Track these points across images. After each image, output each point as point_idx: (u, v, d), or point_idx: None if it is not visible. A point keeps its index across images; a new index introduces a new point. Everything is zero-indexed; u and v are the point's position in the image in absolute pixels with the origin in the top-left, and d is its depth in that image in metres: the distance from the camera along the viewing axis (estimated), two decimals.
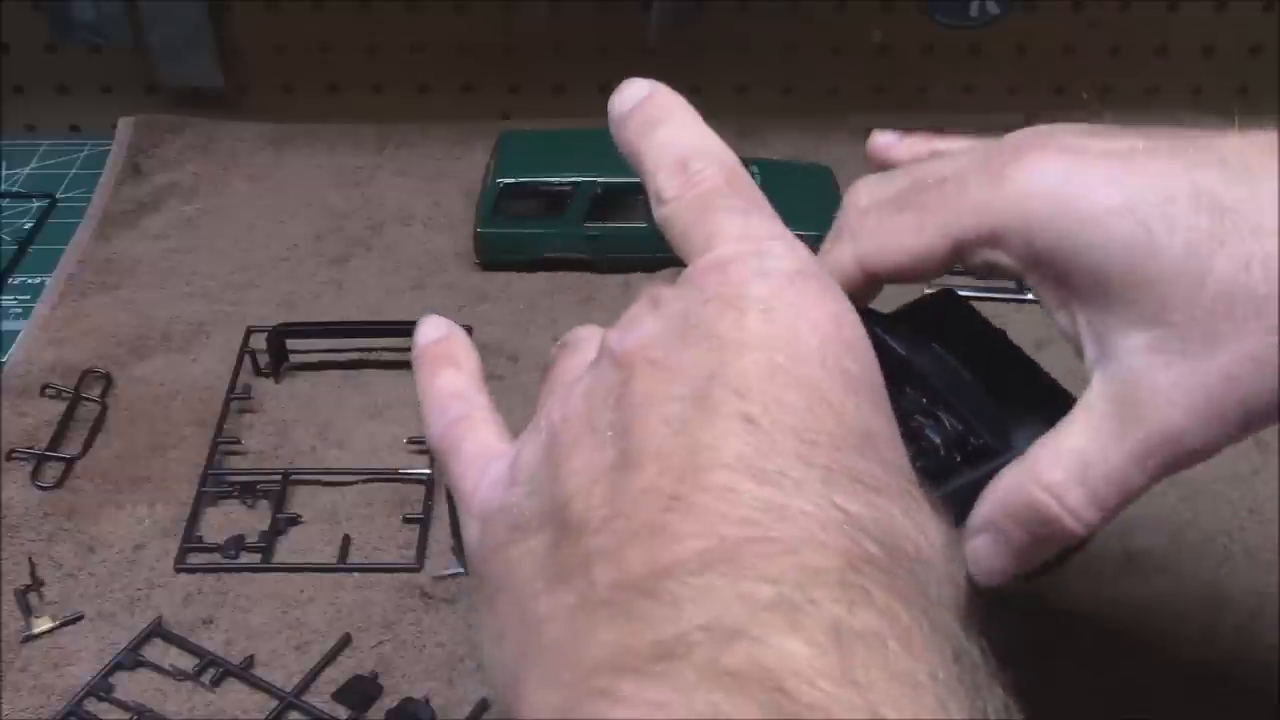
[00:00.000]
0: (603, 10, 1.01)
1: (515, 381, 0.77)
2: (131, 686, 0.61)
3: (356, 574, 0.67)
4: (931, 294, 0.49)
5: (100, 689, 0.60)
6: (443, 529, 0.68)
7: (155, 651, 0.63)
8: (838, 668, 0.28)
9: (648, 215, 0.86)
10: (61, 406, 0.76)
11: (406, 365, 0.74)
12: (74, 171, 1.00)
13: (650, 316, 0.37)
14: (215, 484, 0.71)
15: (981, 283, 0.75)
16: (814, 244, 0.90)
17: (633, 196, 0.86)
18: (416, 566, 0.67)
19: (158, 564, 0.67)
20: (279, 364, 0.79)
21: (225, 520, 0.70)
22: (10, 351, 0.81)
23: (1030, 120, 0.45)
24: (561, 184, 0.86)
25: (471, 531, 0.39)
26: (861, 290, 0.45)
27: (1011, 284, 0.76)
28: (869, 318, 0.42)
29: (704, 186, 0.41)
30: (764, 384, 0.34)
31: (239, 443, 0.74)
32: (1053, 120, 0.44)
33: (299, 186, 0.96)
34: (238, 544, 0.68)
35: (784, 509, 0.31)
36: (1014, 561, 0.42)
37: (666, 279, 0.40)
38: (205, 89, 1.05)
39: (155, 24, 1.01)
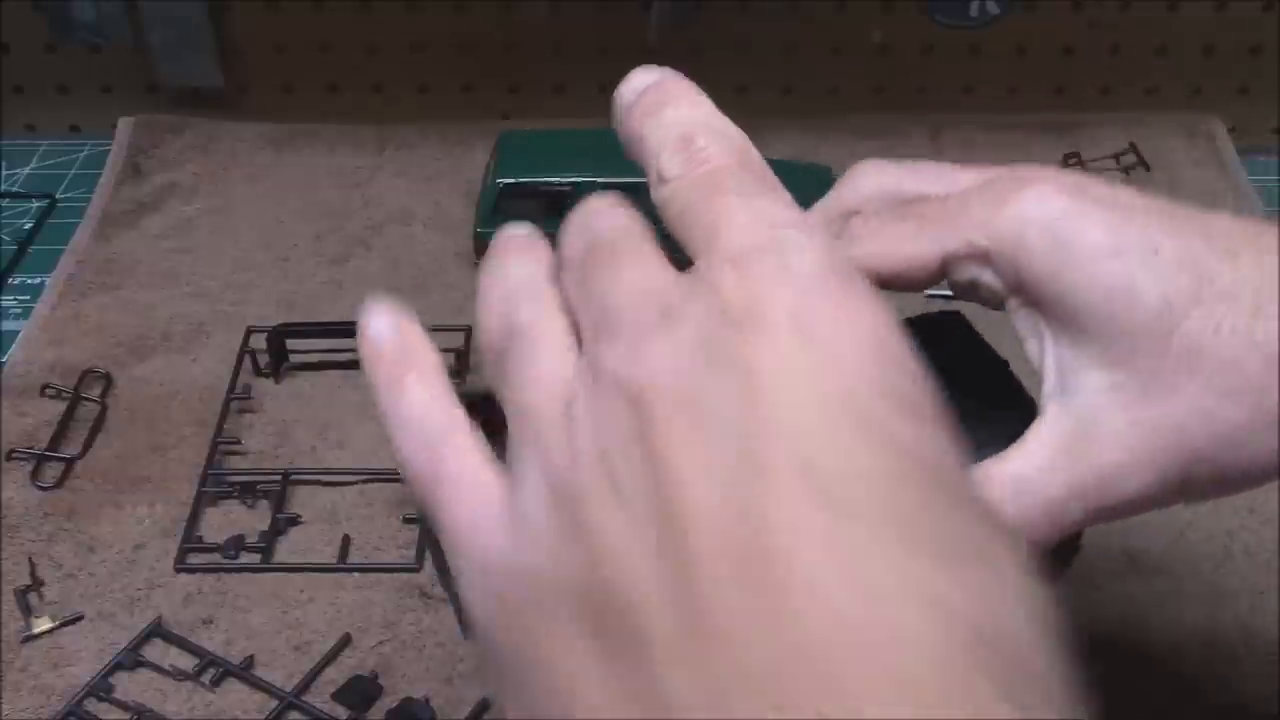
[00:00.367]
0: (603, 10, 1.01)
1: None
2: (131, 686, 0.61)
3: (356, 574, 0.67)
4: (940, 312, 0.49)
5: (100, 689, 0.60)
6: None
7: (155, 651, 0.63)
8: None
9: (648, 215, 0.87)
10: (61, 406, 0.76)
11: None
12: (74, 171, 1.00)
13: (661, 335, 0.31)
14: (215, 484, 0.71)
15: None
16: None
17: (633, 196, 0.86)
18: (416, 566, 0.67)
19: (158, 564, 0.67)
20: (279, 364, 0.79)
21: (225, 520, 0.70)
22: (10, 351, 0.81)
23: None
24: (561, 184, 0.86)
25: (474, 585, 0.33)
26: None
27: None
28: None
29: (711, 165, 0.37)
30: (816, 429, 0.28)
31: (239, 443, 0.74)
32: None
33: (299, 186, 0.96)
34: (238, 544, 0.68)
35: (881, 615, 0.26)
36: None
37: (655, 266, 0.36)
38: (205, 89, 1.05)
39: (155, 24, 1.01)
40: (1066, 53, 1.04)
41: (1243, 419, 0.39)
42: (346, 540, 0.68)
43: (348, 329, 0.79)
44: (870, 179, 0.50)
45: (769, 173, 0.38)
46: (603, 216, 0.40)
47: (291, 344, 0.79)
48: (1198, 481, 0.40)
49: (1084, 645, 0.62)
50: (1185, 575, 0.66)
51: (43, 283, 0.87)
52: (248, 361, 0.79)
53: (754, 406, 0.28)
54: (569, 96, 1.06)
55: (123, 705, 0.60)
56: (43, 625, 0.64)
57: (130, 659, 0.62)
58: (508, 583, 0.31)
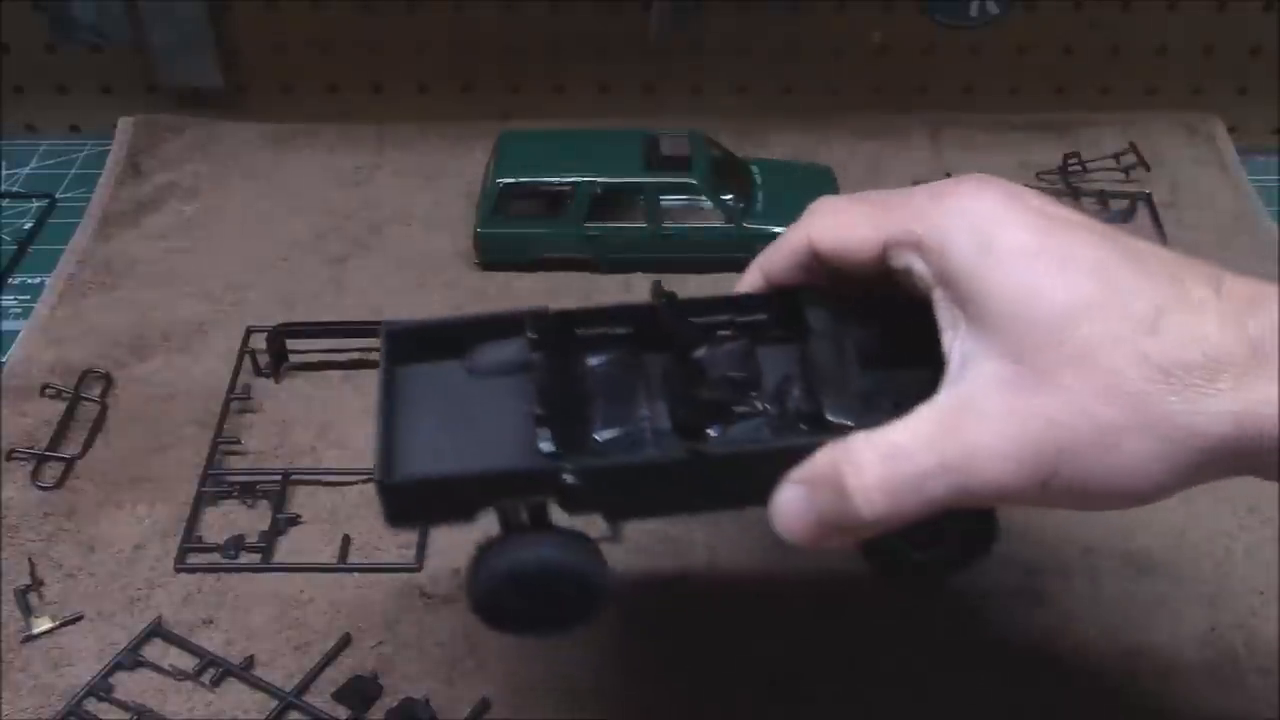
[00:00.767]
0: (603, 10, 1.01)
1: None
2: (131, 686, 0.61)
3: (356, 574, 0.67)
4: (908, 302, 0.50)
5: (100, 689, 0.60)
6: (443, 528, 0.68)
7: (155, 651, 0.63)
8: None
9: (648, 215, 0.87)
10: (61, 406, 0.76)
11: None
12: (74, 171, 1.00)
13: None
14: (215, 484, 0.71)
15: None
16: None
17: (633, 196, 0.86)
18: (416, 566, 0.67)
19: (158, 564, 0.67)
20: (279, 364, 0.79)
21: (225, 520, 0.70)
22: (10, 351, 0.81)
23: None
24: (561, 184, 0.86)
25: None
26: (808, 265, 0.51)
27: None
28: (806, 290, 0.51)
29: None
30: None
31: (239, 443, 0.74)
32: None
33: (299, 186, 0.96)
34: (238, 544, 0.68)
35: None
36: (813, 525, 0.45)
37: None
38: (205, 89, 1.05)
39: (155, 24, 1.01)
40: (1066, 53, 1.04)
41: (1118, 419, 0.41)
42: (346, 540, 0.68)
43: (348, 329, 0.80)
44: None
45: None
46: None
47: (291, 344, 0.79)
48: (1062, 481, 0.42)
49: (1085, 644, 0.62)
50: (1185, 575, 0.66)
51: (43, 283, 0.87)
52: (248, 361, 0.79)
53: None
54: (569, 96, 1.06)
55: (123, 705, 0.60)
56: (43, 625, 0.64)
57: (130, 659, 0.62)
58: None
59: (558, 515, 0.50)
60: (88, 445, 0.74)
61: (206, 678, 0.61)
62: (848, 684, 0.61)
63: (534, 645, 0.62)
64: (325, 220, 0.93)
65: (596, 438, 0.51)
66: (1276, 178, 0.99)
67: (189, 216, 0.93)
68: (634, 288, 0.86)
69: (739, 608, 0.64)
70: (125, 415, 0.76)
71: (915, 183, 0.98)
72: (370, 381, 0.81)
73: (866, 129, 1.02)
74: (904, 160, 0.98)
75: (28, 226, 0.94)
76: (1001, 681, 0.61)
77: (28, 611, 0.64)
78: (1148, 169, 0.97)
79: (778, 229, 0.86)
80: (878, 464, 0.44)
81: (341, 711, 0.60)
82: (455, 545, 0.65)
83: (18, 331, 0.83)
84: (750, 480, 0.47)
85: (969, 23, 1.03)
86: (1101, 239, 0.44)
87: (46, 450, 0.73)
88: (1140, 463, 0.41)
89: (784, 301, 0.53)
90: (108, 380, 0.78)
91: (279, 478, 0.72)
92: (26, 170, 1.00)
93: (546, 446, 0.47)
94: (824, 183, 0.92)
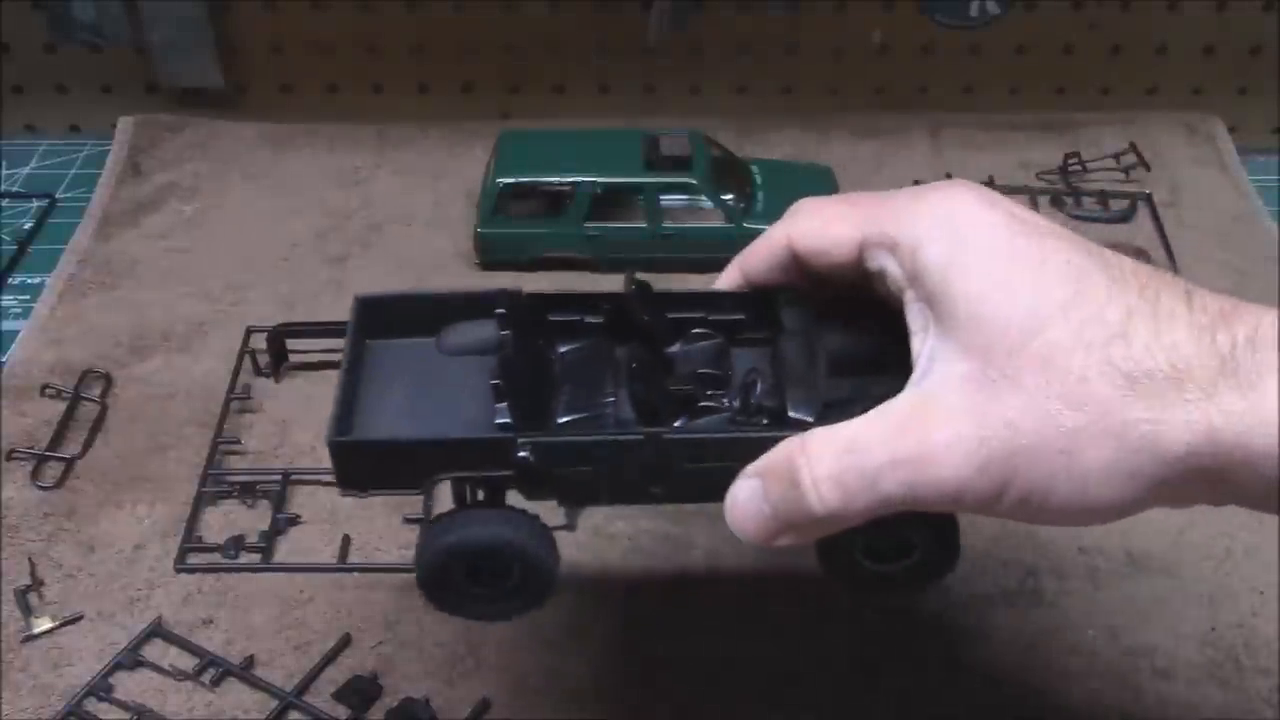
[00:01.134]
0: (603, 10, 1.01)
1: None
2: (131, 686, 0.61)
3: (356, 574, 0.67)
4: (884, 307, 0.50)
5: (100, 689, 0.60)
6: None
7: (155, 651, 0.63)
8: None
9: (648, 215, 0.87)
10: (61, 406, 0.76)
11: None
12: (74, 171, 1.00)
13: None
14: (215, 484, 0.71)
15: None
16: None
17: (633, 196, 0.86)
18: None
19: (158, 564, 0.67)
20: (279, 364, 0.79)
21: (225, 520, 0.70)
22: (10, 351, 0.81)
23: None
24: (561, 184, 0.86)
25: None
26: (786, 265, 0.51)
27: None
28: (784, 290, 0.51)
29: None
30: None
31: (239, 443, 0.74)
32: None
33: (299, 186, 0.96)
34: (238, 544, 0.68)
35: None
36: (766, 520, 0.45)
37: None
38: (205, 89, 1.05)
39: (155, 24, 1.01)
40: (1066, 53, 1.04)
41: (1081, 425, 0.40)
42: (346, 540, 0.68)
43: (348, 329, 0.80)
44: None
45: None
46: None
47: (291, 344, 0.79)
48: (1019, 489, 0.41)
49: (1085, 643, 0.61)
50: (1185, 575, 0.66)
51: (43, 283, 0.87)
52: (248, 361, 0.79)
53: None
54: (569, 96, 1.06)
55: (123, 705, 0.60)
56: (43, 625, 0.64)
57: (130, 659, 0.62)
58: None
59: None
60: (88, 445, 0.74)
61: (206, 678, 0.61)
62: (847, 684, 0.61)
63: (534, 645, 0.62)
64: (325, 220, 0.93)
65: (557, 420, 0.50)
66: (1276, 178, 0.99)
67: (189, 216, 0.93)
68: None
69: (739, 608, 0.64)
70: (125, 415, 0.76)
71: (916, 183, 0.99)
72: None
73: (866, 129, 1.02)
74: (904, 160, 0.98)
75: (28, 226, 0.94)
76: (1001, 682, 0.61)
77: (28, 611, 0.64)
78: (1148, 169, 0.97)
79: None
80: (832, 457, 0.43)
81: (341, 711, 0.60)
82: None
83: (18, 331, 0.83)
84: (707, 472, 0.47)
85: (969, 23, 1.03)
86: (1072, 245, 0.43)
87: (46, 450, 0.73)
88: (1101, 473, 0.40)
89: (761, 301, 0.53)
90: (108, 380, 0.78)
91: (279, 478, 0.72)
92: (26, 170, 1.00)
93: (502, 419, 0.47)
94: (824, 183, 0.92)
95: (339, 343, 0.78)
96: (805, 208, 0.51)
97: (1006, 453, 0.41)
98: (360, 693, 0.60)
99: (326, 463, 0.71)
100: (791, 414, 0.48)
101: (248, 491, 0.71)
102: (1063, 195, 0.95)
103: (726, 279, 0.54)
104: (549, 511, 0.51)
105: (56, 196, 0.97)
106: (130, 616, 0.65)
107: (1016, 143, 1.01)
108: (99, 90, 1.06)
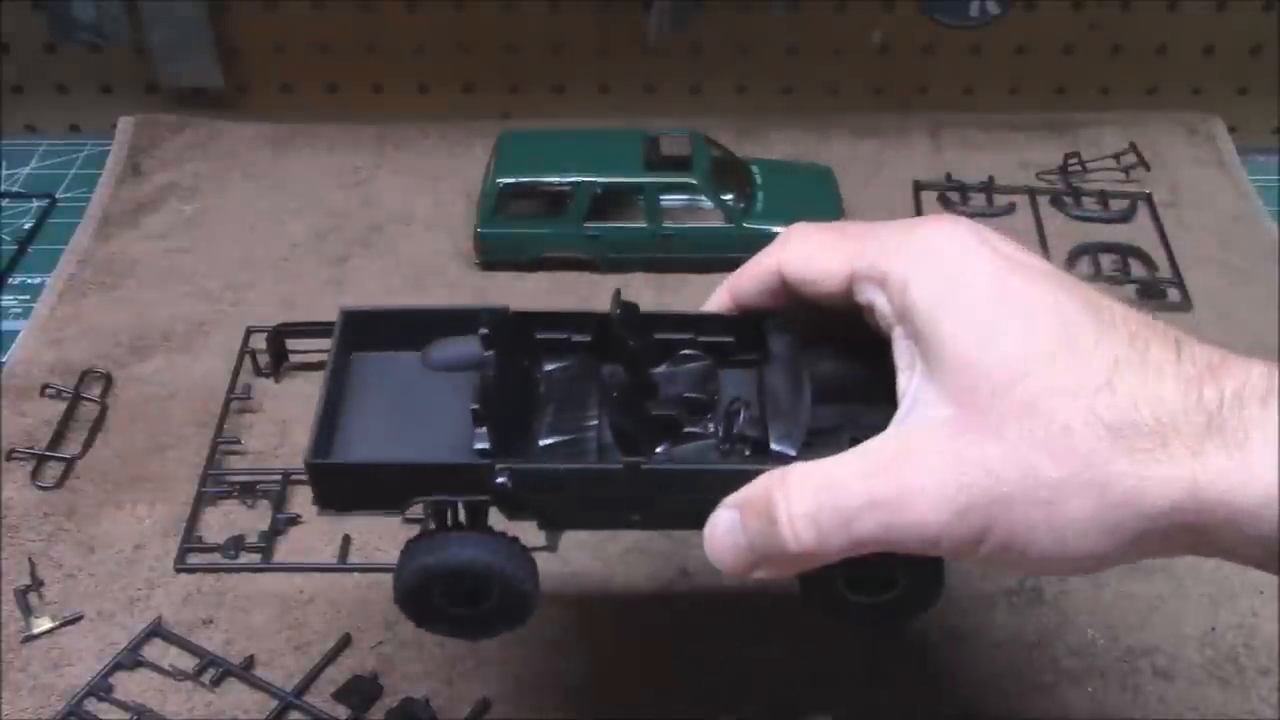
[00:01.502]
0: (603, 10, 1.01)
1: None
2: (131, 686, 0.61)
3: (356, 574, 0.67)
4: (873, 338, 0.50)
5: (100, 689, 0.60)
6: None
7: (155, 651, 0.63)
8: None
9: (648, 215, 0.87)
10: (61, 406, 0.76)
11: None
12: (74, 171, 1.00)
13: None
14: (215, 484, 0.71)
15: None
16: None
17: (633, 196, 0.86)
18: None
19: (158, 564, 0.67)
20: (279, 364, 0.79)
21: (225, 520, 0.70)
22: (10, 351, 0.81)
23: None
24: (561, 184, 0.86)
25: None
26: (776, 290, 0.50)
27: None
28: (773, 315, 0.51)
29: None
30: None
31: (239, 443, 0.74)
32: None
33: (299, 186, 0.96)
34: (238, 544, 0.68)
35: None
36: (742, 552, 0.44)
37: None
38: (205, 89, 1.05)
39: (155, 24, 1.01)
40: (1066, 53, 1.04)
41: (1062, 476, 0.39)
42: (346, 540, 0.68)
43: None
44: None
45: None
46: None
47: (291, 344, 0.79)
48: (997, 538, 0.40)
49: (1085, 643, 0.61)
50: (1185, 575, 0.66)
51: (43, 283, 0.87)
52: (248, 361, 0.79)
53: None
54: (569, 96, 1.06)
55: (123, 705, 0.60)
56: (43, 625, 0.64)
57: (130, 659, 0.62)
58: None
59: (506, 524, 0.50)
60: (88, 445, 0.74)
61: (206, 678, 0.61)
62: (849, 684, 0.61)
63: (534, 645, 0.62)
64: (325, 220, 0.93)
65: (539, 443, 0.50)
66: (1276, 178, 0.99)
67: (189, 216, 0.93)
68: (633, 288, 0.86)
69: (739, 608, 0.64)
70: (125, 415, 0.76)
71: (916, 182, 0.99)
72: None
73: (866, 129, 1.02)
74: (904, 160, 0.98)
75: (28, 226, 0.94)
76: (1002, 682, 0.61)
77: (28, 611, 0.64)
78: (1148, 169, 0.97)
79: (778, 229, 0.86)
80: (809, 495, 0.42)
81: (341, 711, 0.60)
82: None
83: (18, 331, 0.83)
84: (687, 501, 0.46)
85: (969, 23, 1.03)
86: (1063, 290, 0.42)
87: (46, 450, 0.73)
88: (1081, 526, 0.39)
89: (750, 325, 0.52)
90: (108, 380, 0.78)
91: (279, 478, 0.72)
92: (26, 170, 1.00)
93: (480, 445, 0.47)
94: (824, 183, 0.92)
95: None
96: (797, 234, 0.50)
97: (986, 500, 0.40)
98: (360, 693, 0.60)
99: None
100: (774, 447, 0.48)
101: (248, 491, 0.71)
102: (1063, 195, 0.95)
103: (716, 301, 0.53)
104: (530, 532, 0.50)
105: (56, 196, 0.97)
106: (130, 616, 0.65)
107: (1016, 143, 1.01)
108: (99, 90, 1.06)
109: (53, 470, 0.72)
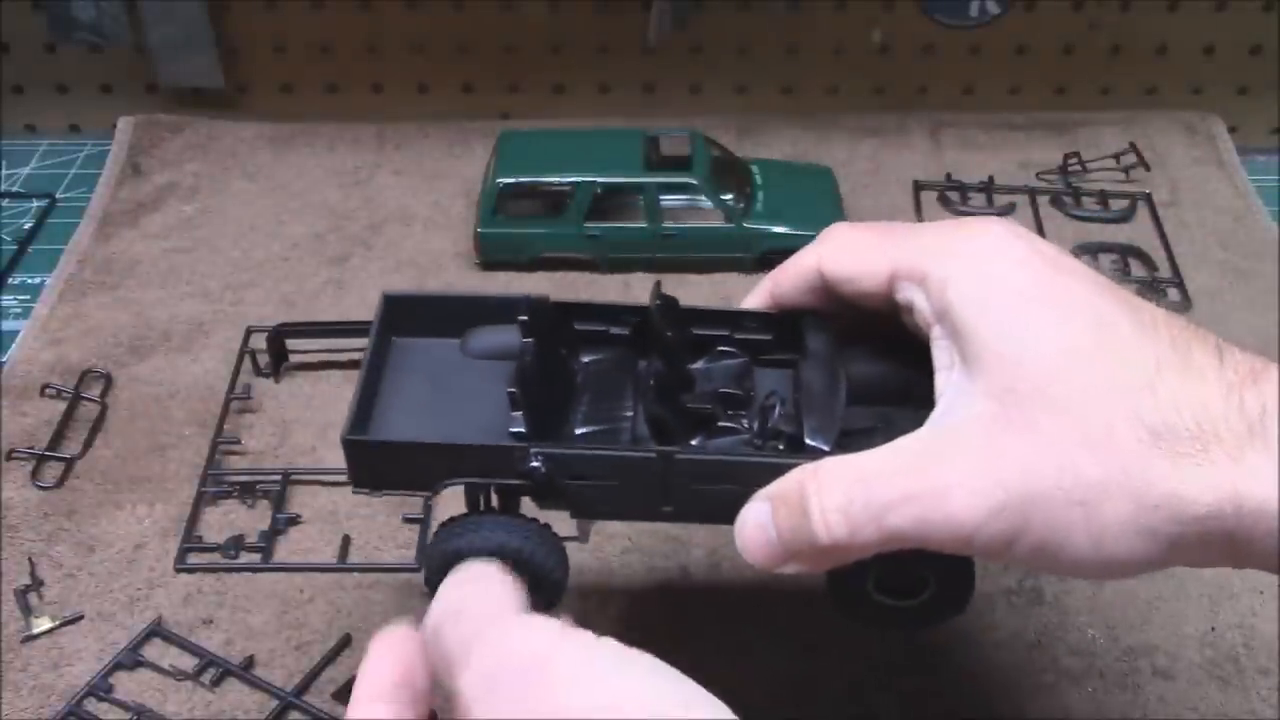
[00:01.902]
0: (603, 10, 1.01)
1: None
2: (131, 686, 0.61)
3: (356, 574, 0.67)
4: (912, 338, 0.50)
5: (100, 689, 0.60)
6: None
7: (155, 651, 0.63)
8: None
9: (648, 215, 0.87)
10: (61, 406, 0.76)
11: None
12: (74, 171, 1.00)
13: None
14: (215, 484, 0.71)
15: None
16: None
17: (633, 196, 0.86)
18: (416, 567, 0.67)
19: (158, 564, 0.67)
20: (279, 364, 0.79)
21: (225, 520, 0.70)
22: (10, 351, 0.81)
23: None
24: (561, 184, 0.86)
25: None
26: (816, 288, 0.50)
27: None
28: (811, 313, 0.51)
29: None
30: None
31: (239, 443, 0.74)
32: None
33: (299, 186, 0.96)
34: (238, 544, 0.68)
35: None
36: (773, 546, 0.44)
37: None
38: (205, 89, 1.05)
39: (155, 24, 1.01)
40: (1066, 53, 1.04)
41: (1100, 476, 0.39)
42: (346, 540, 0.68)
43: (348, 329, 0.80)
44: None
45: None
46: None
47: (291, 344, 0.79)
48: (1033, 538, 0.40)
49: (1085, 643, 0.61)
50: (1185, 575, 0.66)
51: (43, 283, 0.87)
52: (248, 361, 0.79)
53: None
54: (569, 96, 1.06)
55: (123, 705, 0.60)
56: (43, 625, 0.64)
57: (130, 659, 0.62)
58: None
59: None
60: (88, 445, 0.74)
61: (206, 678, 0.61)
62: (850, 685, 0.61)
63: None
64: (325, 220, 0.93)
65: (574, 432, 0.50)
66: (1276, 178, 0.99)
67: (189, 216, 0.93)
68: (634, 287, 0.86)
69: (739, 608, 0.64)
70: (125, 415, 0.76)
71: (916, 182, 0.99)
72: None
73: (866, 129, 1.02)
74: (904, 160, 0.98)
75: (28, 226, 0.94)
76: (1002, 681, 0.61)
77: (28, 611, 0.64)
78: (1148, 169, 0.97)
79: (778, 229, 0.86)
80: (842, 488, 0.42)
81: (341, 711, 0.60)
82: None
83: (18, 331, 0.83)
84: (719, 494, 0.46)
85: (969, 23, 1.03)
86: (1103, 291, 0.42)
87: (46, 450, 0.73)
88: (1117, 529, 0.39)
89: (788, 323, 0.53)
90: (108, 380, 0.78)
91: (279, 478, 0.72)
92: (26, 170, 1.00)
93: (516, 428, 0.47)
94: (824, 183, 0.92)
95: (339, 343, 0.79)
96: (838, 233, 0.50)
97: (1022, 498, 0.39)
98: None
99: (326, 463, 0.73)
100: (808, 441, 0.47)
101: (248, 491, 0.71)
102: (1063, 195, 0.95)
103: (755, 298, 0.53)
104: (561, 522, 0.51)
105: (56, 196, 0.97)
106: (130, 616, 0.65)
107: (1016, 143, 1.01)
108: (99, 90, 1.06)
109: (53, 470, 0.72)
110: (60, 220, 0.94)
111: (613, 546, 0.67)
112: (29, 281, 0.89)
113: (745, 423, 0.51)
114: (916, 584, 0.50)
